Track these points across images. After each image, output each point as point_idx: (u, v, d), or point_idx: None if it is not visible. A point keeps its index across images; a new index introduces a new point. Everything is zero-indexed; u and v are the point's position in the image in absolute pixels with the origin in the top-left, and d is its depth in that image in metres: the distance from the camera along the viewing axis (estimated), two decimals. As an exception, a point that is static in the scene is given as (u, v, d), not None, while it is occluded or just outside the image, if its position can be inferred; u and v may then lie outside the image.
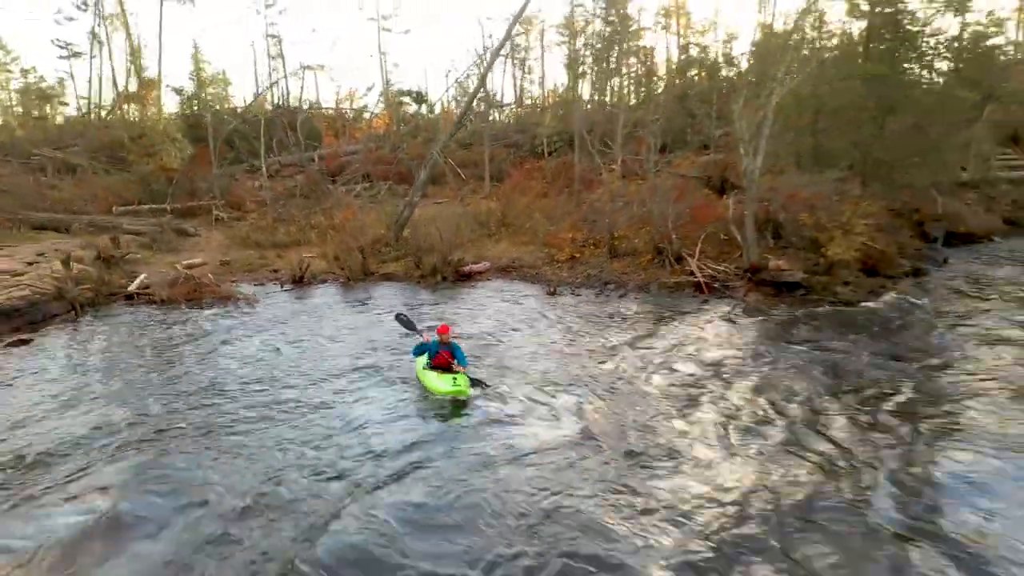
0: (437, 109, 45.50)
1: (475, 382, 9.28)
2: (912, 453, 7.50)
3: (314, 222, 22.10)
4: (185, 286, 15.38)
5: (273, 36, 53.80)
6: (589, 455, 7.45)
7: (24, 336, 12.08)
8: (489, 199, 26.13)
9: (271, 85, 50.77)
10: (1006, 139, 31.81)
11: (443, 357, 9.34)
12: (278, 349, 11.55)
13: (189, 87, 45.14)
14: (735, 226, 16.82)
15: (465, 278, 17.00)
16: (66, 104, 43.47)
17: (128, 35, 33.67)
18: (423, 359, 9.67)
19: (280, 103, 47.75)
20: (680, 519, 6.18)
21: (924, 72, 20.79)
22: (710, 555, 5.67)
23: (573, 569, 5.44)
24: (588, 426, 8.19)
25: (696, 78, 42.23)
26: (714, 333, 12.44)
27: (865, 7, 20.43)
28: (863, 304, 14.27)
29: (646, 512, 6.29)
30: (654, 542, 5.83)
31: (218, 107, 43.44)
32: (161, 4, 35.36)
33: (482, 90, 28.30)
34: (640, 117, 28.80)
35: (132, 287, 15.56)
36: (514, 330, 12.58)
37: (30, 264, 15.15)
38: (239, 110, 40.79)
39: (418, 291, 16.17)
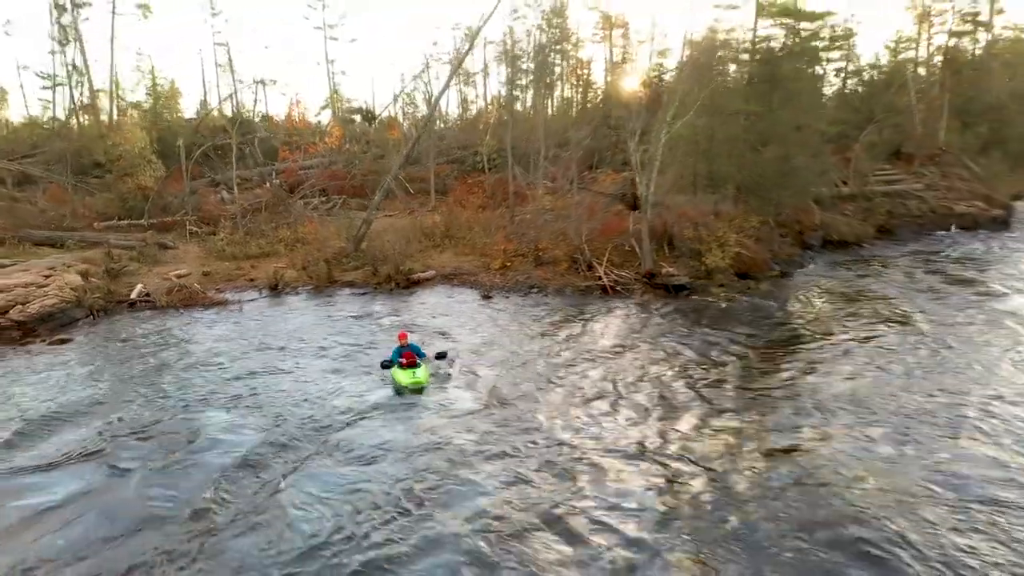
0: (388, 113, 49.05)
1: (439, 355, 12.71)
2: (730, 407, 11.37)
3: (281, 235, 25.35)
4: (180, 293, 18.60)
5: (221, 44, 56.22)
6: (490, 409, 11.13)
7: (63, 336, 15.23)
8: (434, 213, 29.67)
9: (225, 99, 53.41)
10: (888, 156, 36.72)
11: (408, 356, 12.45)
12: (267, 344, 14.96)
13: (145, 100, 47.74)
14: (635, 239, 20.73)
15: (415, 284, 20.54)
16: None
17: (81, 48, 36.24)
18: (394, 367, 12.41)
19: (236, 116, 50.47)
20: (532, 456, 9.85)
21: (789, 111, 24.82)
22: (550, 481, 9.36)
23: (446, 487, 8.87)
24: (498, 391, 11.86)
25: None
26: (610, 325, 16.26)
27: (745, 57, 24.66)
28: (730, 302, 18.28)
29: (506, 453, 9.97)
30: (507, 471, 9.50)
31: (170, 117, 45.92)
32: (113, 16, 37.94)
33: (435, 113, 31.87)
34: (567, 135, 32.71)
35: (133, 295, 18.70)
36: (458, 326, 16.19)
37: (47, 277, 18.10)
38: (196, 124, 43.44)
39: (376, 296, 19.64)
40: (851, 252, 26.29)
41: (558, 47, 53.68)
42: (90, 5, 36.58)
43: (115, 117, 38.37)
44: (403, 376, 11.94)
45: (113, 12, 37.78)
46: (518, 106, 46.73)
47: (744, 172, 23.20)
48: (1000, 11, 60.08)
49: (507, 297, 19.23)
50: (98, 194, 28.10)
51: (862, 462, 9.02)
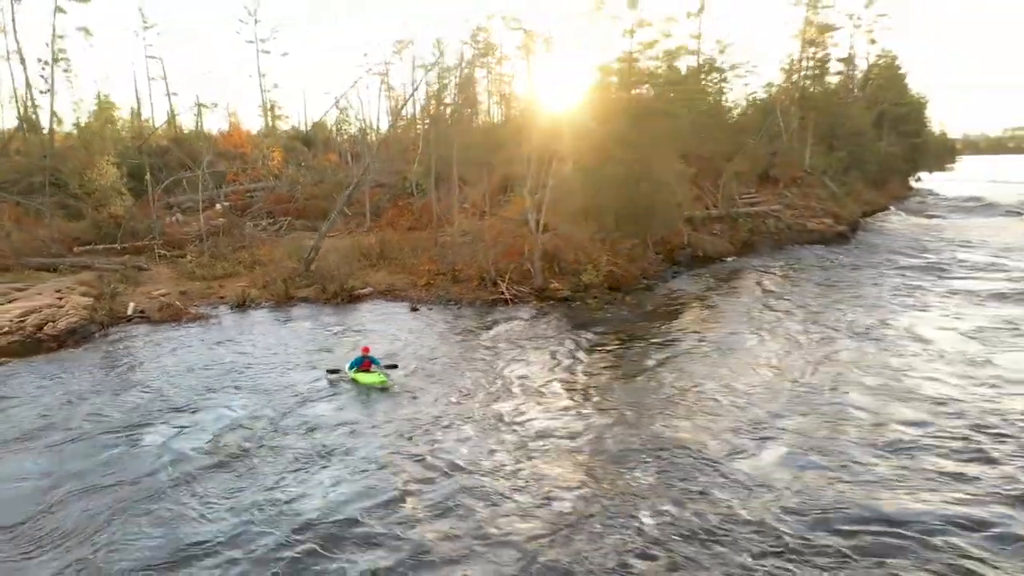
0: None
1: (390, 366, 18.01)
2: (587, 381, 17.23)
3: (240, 258, 30.33)
4: (168, 310, 23.60)
5: (153, 57, 60.00)
6: (422, 393, 16.73)
7: (88, 346, 20.16)
8: (369, 234, 35.04)
9: (168, 121, 57.38)
10: (758, 179, 43.76)
11: (366, 365, 17.55)
12: (243, 350, 20.19)
13: (87, 119, 51.55)
14: (530, 260, 26.60)
15: (356, 299, 25.94)
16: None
17: (22, 62, 40.22)
18: (353, 370, 17.53)
19: (180, 137, 54.53)
20: (450, 415, 15.50)
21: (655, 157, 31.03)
22: (439, 454, 15.02)
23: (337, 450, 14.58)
24: (428, 379, 17.48)
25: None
26: (508, 329, 22.01)
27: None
28: (600, 310, 24.29)
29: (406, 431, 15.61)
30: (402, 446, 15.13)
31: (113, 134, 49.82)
32: (53, 35, 41.81)
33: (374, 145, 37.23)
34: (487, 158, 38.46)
35: (129, 312, 23.59)
36: (391, 334, 21.70)
37: (61, 298, 22.85)
38: (139, 145, 47.51)
39: (324, 310, 24.96)
40: (712, 266, 32.80)
41: (484, 59, 59.89)
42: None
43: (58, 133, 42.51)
44: (369, 378, 16.73)
45: (54, 36, 41.65)
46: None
47: (621, 205, 29.28)
48: (873, 41, 69.13)
49: (431, 309, 24.80)
50: (57, 218, 32.43)
51: (671, 407, 14.95)
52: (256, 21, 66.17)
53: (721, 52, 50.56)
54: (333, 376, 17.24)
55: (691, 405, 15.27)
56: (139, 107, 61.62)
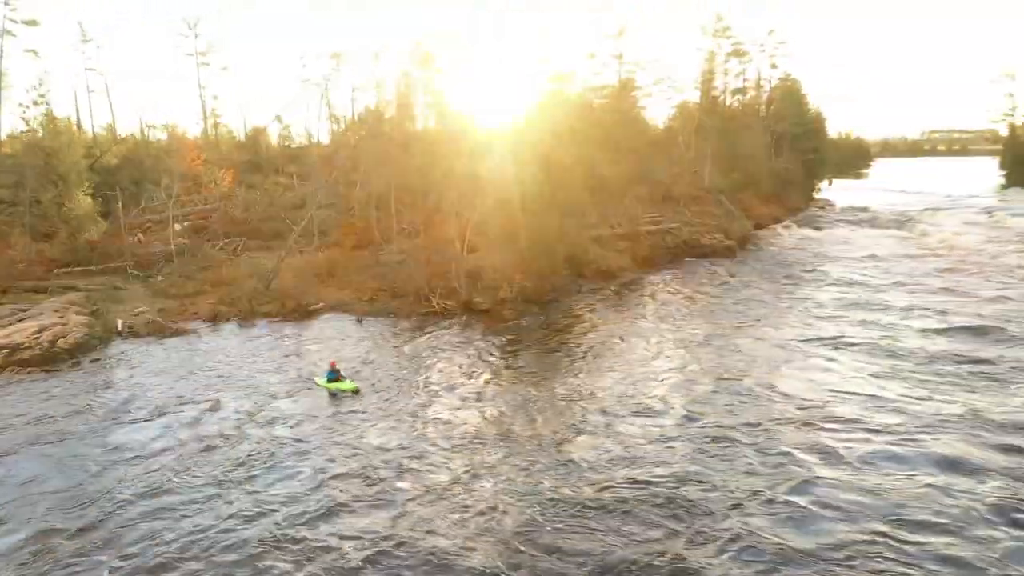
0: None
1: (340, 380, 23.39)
2: (496, 373, 22.95)
3: (205, 277, 35.19)
4: (154, 325, 28.49)
5: (91, 69, 63.45)
6: (373, 392, 22.23)
7: (95, 356, 25.00)
8: (317, 253, 40.18)
9: (118, 141, 61.16)
10: (659, 200, 50.34)
11: (338, 377, 23.01)
12: (227, 358, 25.32)
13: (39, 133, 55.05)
14: (456, 278, 32.24)
15: (311, 314, 31.19)
16: None
17: None
18: (325, 379, 23.05)
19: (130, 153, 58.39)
20: (395, 406, 21.06)
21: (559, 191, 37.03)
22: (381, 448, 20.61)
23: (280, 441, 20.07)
24: (376, 379, 22.96)
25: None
26: (438, 337, 27.60)
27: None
28: (514, 319, 30.08)
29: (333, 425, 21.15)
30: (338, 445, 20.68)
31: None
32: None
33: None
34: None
35: (119, 327, 28.38)
36: (339, 340, 27.07)
37: (61, 317, 27.50)
38: (91, 163, 51.45)
39: (285, 324, 30.13)
40: (614, 280, 38.91)
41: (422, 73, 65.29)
42: None
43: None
44: (344, 385, 21.65)
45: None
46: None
47: (533, 230, 35.12)
48: (774, 66, 76.92)
49: (374, 322, 30.25)
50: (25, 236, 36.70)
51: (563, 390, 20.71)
52: (196, 35, 70.24)
53: (641, 70, 57.62)
54: (316, 384, 22.28)
55: (564, 397, 21.17)
56: (80, 124, 65.13)
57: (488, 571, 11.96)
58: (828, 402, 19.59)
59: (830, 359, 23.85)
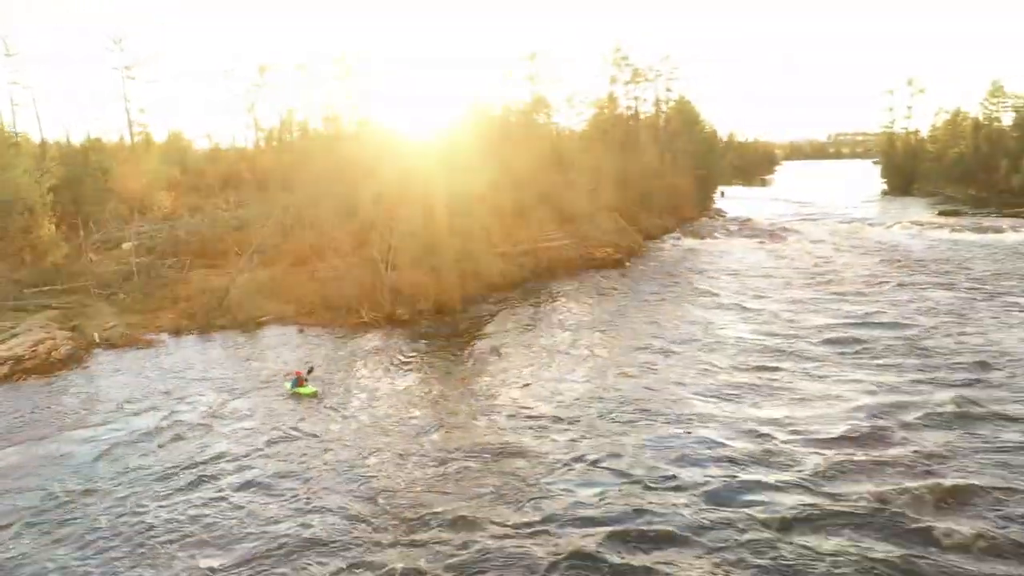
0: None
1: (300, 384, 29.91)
2: (413, 370, 30.04)
3: (163, 294, 41.13)
4: (127, 338, 34.53)
5: (15, 83, 67.32)
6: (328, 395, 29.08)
7: (86, 365, 31.01)
8: (259, 269, 46.39)
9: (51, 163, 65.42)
10: (560, 219, 58.19)
11: (301, 382, 29.37)
12: (198, 363, 31.67)
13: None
14: (381, 293, 39.15)
15: (260, 326, 37.61)
16: None
17: None
18: (290, 385, 29.48)
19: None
20: (334, 403, 27.95)
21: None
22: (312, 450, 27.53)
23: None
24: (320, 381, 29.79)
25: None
26: (364, 344, 34.48)
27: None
28: (428, 327, 37.18)
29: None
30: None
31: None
32: None
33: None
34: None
35: (97, 340, 34.30)
36: (286, 349, 33.70)
37: (48, 333, 33.23)
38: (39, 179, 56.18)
39: (238, 335, 36.48)
40: (515, 290, 46.38)
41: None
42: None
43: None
44: (304, 390, 27.55)
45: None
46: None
47: (444, 251, 42.23)
48: (669, 89, 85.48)
49: (314, 332, 36.90)
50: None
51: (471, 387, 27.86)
52: (122, 50, 74.34)
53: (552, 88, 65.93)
54: (284, 389, 28.36)
55: (453, 388, 28.45)
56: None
57: (361, 515, 19.07)
58: (656, 391, 27.45)
59: (670, 354, 31.82)
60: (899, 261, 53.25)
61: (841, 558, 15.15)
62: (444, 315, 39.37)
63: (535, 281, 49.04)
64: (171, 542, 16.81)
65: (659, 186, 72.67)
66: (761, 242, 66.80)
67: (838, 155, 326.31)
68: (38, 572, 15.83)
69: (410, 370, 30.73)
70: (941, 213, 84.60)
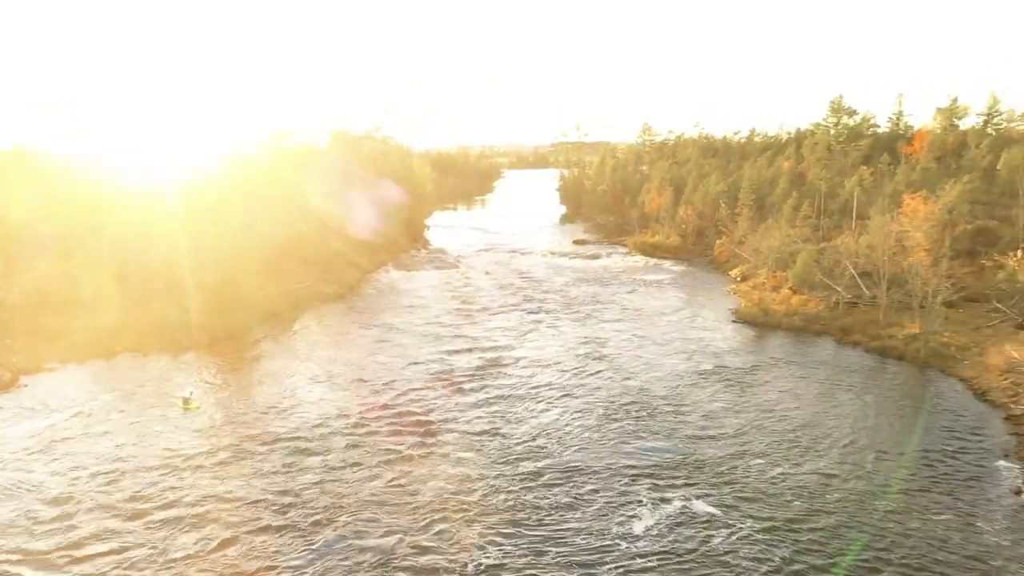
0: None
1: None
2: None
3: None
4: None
5: None
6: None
7: (24, 383, 55.13)
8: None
9: None
10: (311, 262, 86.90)
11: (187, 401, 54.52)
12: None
13: None
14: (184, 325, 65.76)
15: (116, 353, 62.75)
16: None
17: None
18: (183, 402, 54.30)
19: None
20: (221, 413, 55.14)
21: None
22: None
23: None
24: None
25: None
26: (185, 363, 61.36)
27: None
28: (218, 350, 64.60)
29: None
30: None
31: None
32: None
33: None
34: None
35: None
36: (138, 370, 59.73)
37: (-11, 366, 56.25)
38: None
39: (95, 362, 61.38)
40: (276, 321, 74.19)
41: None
42: None
43: None
44: (190, 405, 51.59)
45: None
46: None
47: (224, 286, 69.17)
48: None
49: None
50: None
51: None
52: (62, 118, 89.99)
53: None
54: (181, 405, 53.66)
55: (228, 388, 56.82)
56: None
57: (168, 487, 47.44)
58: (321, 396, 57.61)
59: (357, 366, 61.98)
60: (515, 285, 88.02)
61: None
62: (229, 340, 66.68)
63: (286, 311, 76.94)
64: None
65: (377, 225, 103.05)
66: (445, 271, 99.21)
67: (557, 164, 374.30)
68: None
69: (196, 380, 58.13)
70: (575, 242, 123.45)
